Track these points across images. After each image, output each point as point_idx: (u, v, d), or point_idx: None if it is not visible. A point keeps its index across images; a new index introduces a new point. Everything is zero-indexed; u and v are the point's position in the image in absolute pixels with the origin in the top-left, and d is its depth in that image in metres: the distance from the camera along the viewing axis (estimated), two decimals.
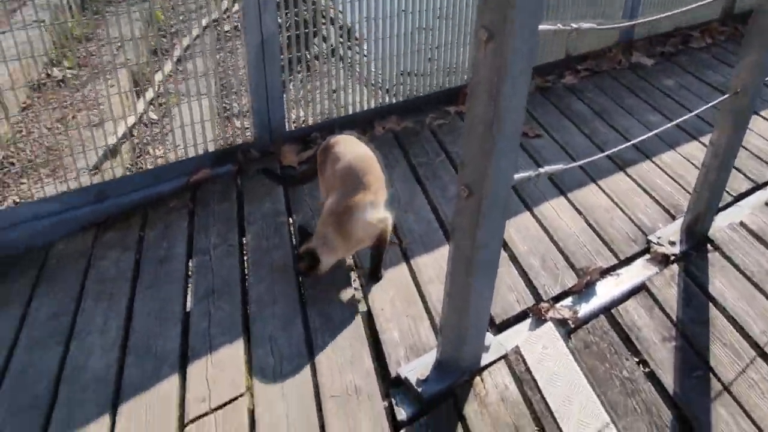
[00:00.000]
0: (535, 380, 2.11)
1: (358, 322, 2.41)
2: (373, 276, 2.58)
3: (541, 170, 1.79)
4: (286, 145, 3.35)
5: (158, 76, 3.57)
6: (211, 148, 3.17)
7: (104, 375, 2.19)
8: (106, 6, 2.88)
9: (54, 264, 2.73)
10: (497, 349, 2.25)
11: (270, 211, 2.95)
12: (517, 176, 1.72)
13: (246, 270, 2.63)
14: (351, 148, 2.60)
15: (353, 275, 2.64)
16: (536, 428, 1.97)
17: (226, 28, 3.48)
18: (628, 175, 3.26)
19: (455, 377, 2.14)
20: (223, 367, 2.23)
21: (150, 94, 3.94)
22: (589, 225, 2.85)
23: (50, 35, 4.43)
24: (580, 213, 2.94)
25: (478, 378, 2.14)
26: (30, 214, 2.85)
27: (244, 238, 2.79)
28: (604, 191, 3.11)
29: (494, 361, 2.19)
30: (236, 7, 3.16)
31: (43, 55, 2.91)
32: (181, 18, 4.72)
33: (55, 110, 3.62)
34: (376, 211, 2.45)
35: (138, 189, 3.08)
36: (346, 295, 2.52)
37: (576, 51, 4.53)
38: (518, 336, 2.31)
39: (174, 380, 2.18)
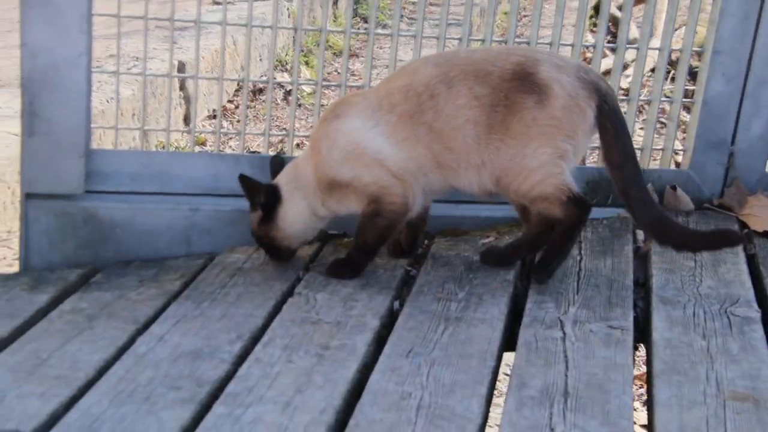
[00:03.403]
0: None
1: None
2: (332, 268, 2.36)
3: None
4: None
5: None
6: None
7: None
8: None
9: (218, 276, 2.39)
10: None
11: (713, 293, 2.27)
12: None
13: (653, 378, 1.94)
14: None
15: None
16: None
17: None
18: None
19: None
20: None
21: None
22: None
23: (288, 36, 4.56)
24: None
25: None
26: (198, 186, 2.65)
27: (653, 328, 2.14)
28: None
29: None
30: None
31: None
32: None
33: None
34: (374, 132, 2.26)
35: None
36: None
37: None
38: None
39: None
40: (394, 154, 2.19)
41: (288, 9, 4.88)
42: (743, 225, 2.68)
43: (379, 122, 2.21)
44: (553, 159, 2.16)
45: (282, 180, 2.34)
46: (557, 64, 2.17)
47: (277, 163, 2.46)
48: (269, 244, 2.38)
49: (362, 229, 2.28)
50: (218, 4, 4.34)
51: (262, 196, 2.30)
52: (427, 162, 2.20)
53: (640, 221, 2.21)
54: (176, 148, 3.61)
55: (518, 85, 2.15)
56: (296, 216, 2.32)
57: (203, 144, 3.93)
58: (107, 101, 3.23)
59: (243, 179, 2.35)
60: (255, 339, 1.96)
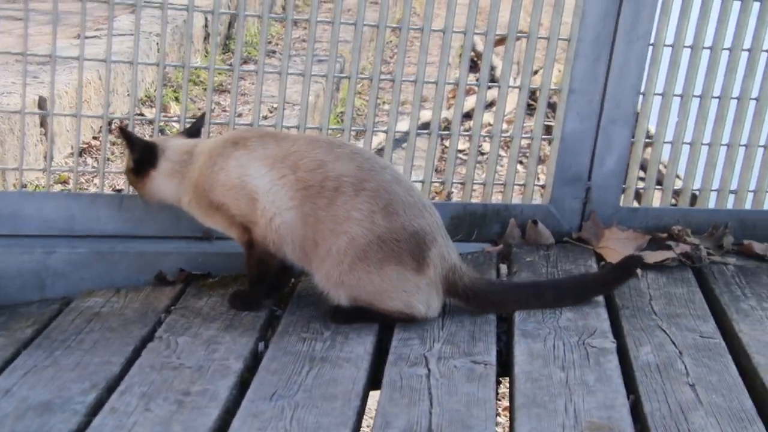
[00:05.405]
0: None
1: None
2: (231, 299, 2.38)
3: None
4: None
5: None
6: None
7: None
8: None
9: (73, 321, 2.27)
10: None
11: (572, 325, 2.31)
12: None
13: (515, 411, 1.94)
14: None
15: None
16: None
17: None
18: None
19: None
20: None
21: None
22: None
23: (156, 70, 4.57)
24: None
25: None
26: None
27: (515, 361, 2.15)
28: None
29: None
30: None
31: None
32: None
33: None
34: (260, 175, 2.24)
35: None
36: None
37: None
38: None
39: None
40: (270, 199, 2.17)
41: (157, 44, 4.79)
42: (600, 258, 2.74)
43: (274, 173, 2.19)
44: (408, 306, 2.23)
45: (174, 151, 2.31)
46: (444, 254, 2.25)
47: (199, 122, 2.48)
48: (131, 185, 2.43)
49: (246, 259, 2.32)
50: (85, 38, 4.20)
51: (137, 154, 2.30)
52: (294, 230, 2.18)
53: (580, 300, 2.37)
54: (36, 187, 3.46)
55: (409, 246, 2.20)
56: (162, 190, 2.34)
57: (66, 183, 3.78)
58: None
59: (122, 131, 2.37)
60: (111, 388, 1.88)
